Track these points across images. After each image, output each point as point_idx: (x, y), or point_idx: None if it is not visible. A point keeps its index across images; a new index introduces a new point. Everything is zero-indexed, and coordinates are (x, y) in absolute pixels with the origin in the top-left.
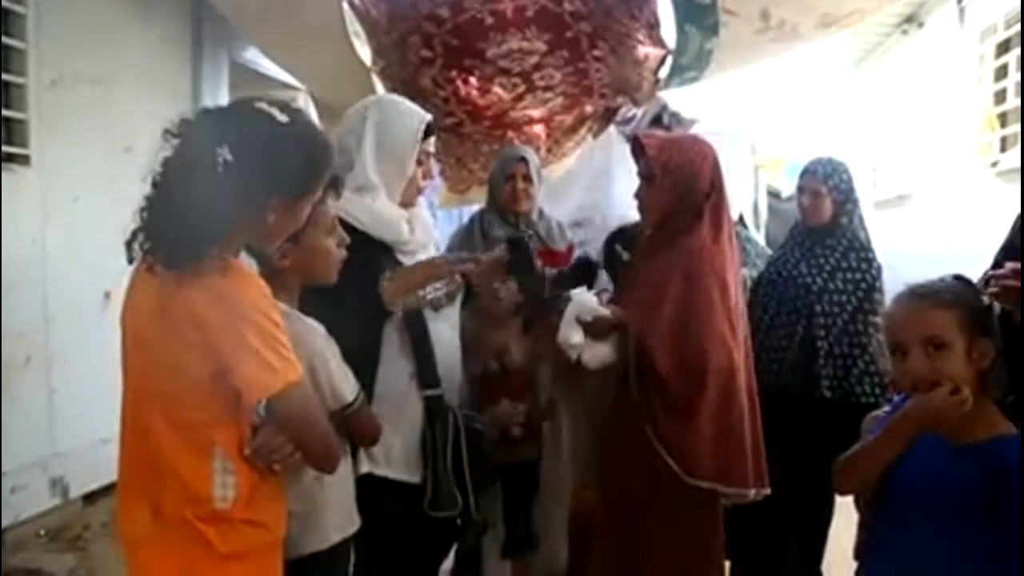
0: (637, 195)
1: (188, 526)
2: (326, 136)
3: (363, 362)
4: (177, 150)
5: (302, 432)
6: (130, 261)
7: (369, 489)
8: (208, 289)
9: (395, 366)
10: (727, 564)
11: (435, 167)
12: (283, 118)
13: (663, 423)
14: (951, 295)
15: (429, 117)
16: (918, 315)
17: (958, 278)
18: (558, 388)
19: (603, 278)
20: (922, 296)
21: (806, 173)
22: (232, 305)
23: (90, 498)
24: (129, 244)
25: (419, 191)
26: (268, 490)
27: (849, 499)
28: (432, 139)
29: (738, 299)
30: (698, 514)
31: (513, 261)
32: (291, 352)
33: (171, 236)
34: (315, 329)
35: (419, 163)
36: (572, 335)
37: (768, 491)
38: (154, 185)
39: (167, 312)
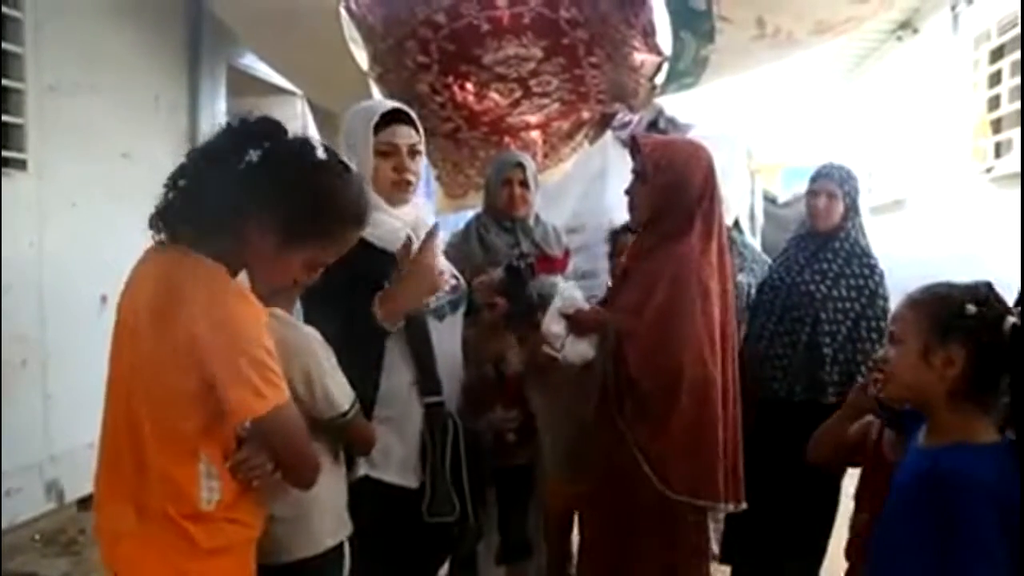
0: (628, 192)
1: (171, 523)
2: (360, 208)
3: (367, 371)
4: (214, 138)
5: (283, 452)
6: (154, 238)
7: (366, 493)
8: (209, 311)
9: (397, 373)
10: (728, 569)
11: (422, 165)
12: (320, 158)
13: (638, 429)
14: (925, 296)
15: (389, 106)
16: (895, 308)
17: (987, 285)
18: (534, 386)
19: (548, 282)
20: (910, 293)
21: (820, 176)
22: (230, 333)
23: (85, 503)
24: (152, 221)
25: (399, 189)
26: (250, 494)
27: (851, 505)
28: (402, 128)
29: (727, 310)
30: (683, 521)
31: (508, 286)
32: (280, 378)
33: (181, 208)
34: (310, 335)
35: (382, 155)
36: (553, 325)
37: (744, 506)
38: (181, 166)
39: (167, 317)
